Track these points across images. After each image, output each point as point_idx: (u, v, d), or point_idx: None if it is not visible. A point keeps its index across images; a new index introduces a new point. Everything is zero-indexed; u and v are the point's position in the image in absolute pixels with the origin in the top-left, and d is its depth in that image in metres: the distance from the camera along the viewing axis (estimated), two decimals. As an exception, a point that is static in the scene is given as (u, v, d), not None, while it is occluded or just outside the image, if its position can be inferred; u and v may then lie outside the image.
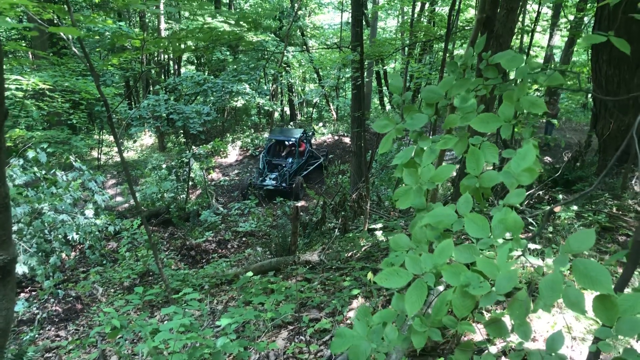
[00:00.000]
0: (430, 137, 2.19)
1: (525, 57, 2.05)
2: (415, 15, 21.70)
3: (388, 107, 27.43)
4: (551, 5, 16.91)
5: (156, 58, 23.96)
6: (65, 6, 4.94)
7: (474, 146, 1.87)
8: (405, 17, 24.29)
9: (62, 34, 4.88)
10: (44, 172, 8.35)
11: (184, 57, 25.34)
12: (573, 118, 20.77)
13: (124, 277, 7.92)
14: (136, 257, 8.75)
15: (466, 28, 15.89)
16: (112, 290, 7.64)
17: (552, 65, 16.53)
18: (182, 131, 20.57)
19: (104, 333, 5.36)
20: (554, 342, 1.49)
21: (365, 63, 14.78)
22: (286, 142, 17.84)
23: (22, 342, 5.64)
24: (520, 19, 16.02)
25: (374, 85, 26.47)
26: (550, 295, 1.39)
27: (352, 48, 11.47)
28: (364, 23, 18.17)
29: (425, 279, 1.60)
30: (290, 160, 16.96)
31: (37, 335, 6.07)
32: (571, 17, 16.19)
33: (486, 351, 1.82)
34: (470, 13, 19.17)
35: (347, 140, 21.00)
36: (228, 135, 22.79)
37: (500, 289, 1.44)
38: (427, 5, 22.10)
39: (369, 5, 23.58)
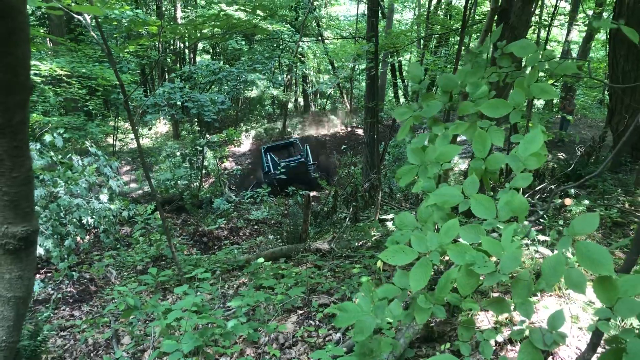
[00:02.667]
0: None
1: (537, 46, 2.08)
2: (432, 8, 21.58)
3: (402, 100, 27.33)
4: (569, -1, 16.75)
5: (172, 46, 24.07)
6: (84, -9, 5.01)
7: (482, 129, 1.91)
8: (422, 10, 24.16)
9: (81, 18, 4.96)
10: (60, 156, 8.47)
11: (200, 46, 25.44)
12: (589, 114, 20.57)
13: (137, 260, 8.04)
14: (149, 242, 8.86)
15: (482, 21, 15.77)
16: (126, 273, 7.76)
17: (570, 59, 16.39)
18: (196, 119, 20.70)
19: (117, 313, 5.46)
20: (554, 320, 1.52)
21: (380, 55, 14.75)
22: (287, 148, 18.24)
23: (38, 321, 5.76)
24: (537, 12, 15.88)
25: (388, 78, 26.38)
26: (552, 275, 1.43)
27: (367, 39, 11.46)
28: (379, 14, 18.11)
29: (431, 257, 1.64)
30: (308, 149, 17.26)
31: (52, 315, 6.19)
32: (590, 12, 16.01)
33: (488, 327, 1.86)
34: (487, 6, 18.99)
35: (360, 131, 21.00)
36: (242, 124, 22.88)
37: (504, 268, 1.48)
38: (444, -3, 21.98)
39: (386, -3, 23.46)
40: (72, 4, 5.07)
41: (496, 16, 5.77)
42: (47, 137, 8.01)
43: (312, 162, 16.92)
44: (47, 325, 5.39)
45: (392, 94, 28.62)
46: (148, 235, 9.10)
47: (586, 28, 16.09)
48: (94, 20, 5.42)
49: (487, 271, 1.47)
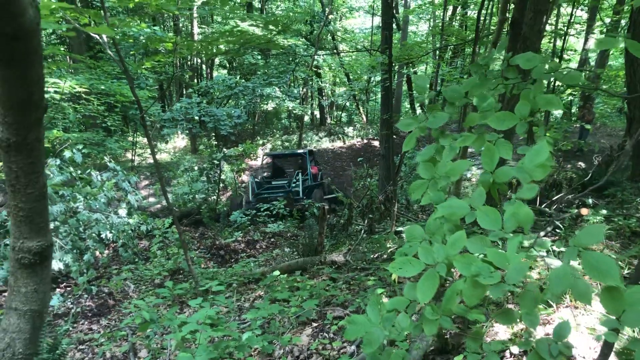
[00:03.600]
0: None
1: (553, 56, 2.09)
2: (447, 19, 21.61)
3: (419, 111, 27.31)
4: (586, 7, 16.63)
5: (189, 62, 24.40)
6: (101, 11, 5.13)
7: (490, 142, 1.92)
8: (437, 21, 24.22)
9: (98, 37, 5.08)
10: (79, 172, 8.62)
11: (216, 61, 25.75)
12: (608, 123, 20.34)
13: (155, 274, 8.10)
14: (167, 256, 8.94)
15: (498, 31, 15.71)
16: (144, 287, 7.83)
17: (586, 69, 16.25)
18: (213, 134, 20.90)
19: (135, 327, 5.51)
20: (561, 330, 1.52)
21: (396, 66, 14.79)
22: (294, 159, 15.86)
23: (57, 334, 5.83)
24: (553, 22, 15.81)
25: (404, 89, 26.41)
26: (558, 285, 1.43)
27: (382, 51, 11.54)
28: (394, 27, 18.18)
29: (438, 269, 1.65)
30: (300, 175, 14.06)
31: (71, 328, 6.26)
32: (607, 20, 15.89)
33: (494, 339, 1.86)
34: (502, 16, 18.91)
35: (376, 143, 21.02)
36: (258, 138, 23.05)
37: (510, 279, 1.49)
38: (458, 9, 21.98)
39: (400, 9, 23.57)
40: (92, 24, 5.20)
41: (509, 27, 5.78)
42: (67, 153, 8.17)
43: (301, 194, 13.21)
44: (66, 339, 5.46)
45: (408, 105, 28.60)
46: (166, 249, 9.19)
47: (604, 36, 15.93)
48: (111, 39, 5.54)
49: (492, 282, 1.48)
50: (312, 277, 6.33)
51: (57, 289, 7.95)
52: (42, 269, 2.01)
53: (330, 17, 22.55)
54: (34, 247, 1.91)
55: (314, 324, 4.61)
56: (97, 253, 8.53)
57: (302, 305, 4.55)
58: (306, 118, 26.60)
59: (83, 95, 13.33)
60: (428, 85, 2.44)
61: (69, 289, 7.92)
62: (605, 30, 15.51)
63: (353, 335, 1.77)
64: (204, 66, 25.81)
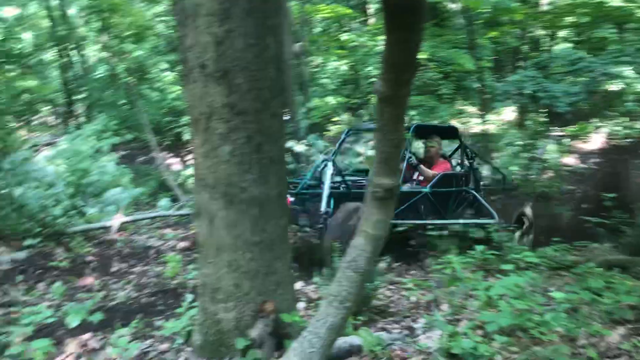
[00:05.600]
0: None
1: None
2: None
3: None
4: None
5: (530, 33, 23.41)
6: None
7: None
8: None
9: (452, 5, 5.41)
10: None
11: (561, 34, 24.04)
12: None
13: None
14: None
15: None
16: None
17: None
18: (545, 110, 19.82)
19: (440, 282, 5.92)
20: None
21: None
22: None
23: (374, 272, 6.66)
24: None
25: None
26: None
27: None
28: None
29: None
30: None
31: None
32: None
33: None
34: None
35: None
36: (595, 119, 20.98)
37: None
38: None
39: None
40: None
41: None
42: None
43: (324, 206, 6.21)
44: (380, 277, 6.20)
45: None
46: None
47: None
48: (461, 9, 5.84)
49: None
50: (635, 278, 5.75)
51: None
52: (388, 204, 2.46)
53: None
54: (386, 184, 2.35)
55: (629, 326, 4.25)
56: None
57: (619, 300, 4.24)
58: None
59: (423, 62, 14.21)
60: None
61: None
62: None
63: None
64: (544, 39, 24.39)
